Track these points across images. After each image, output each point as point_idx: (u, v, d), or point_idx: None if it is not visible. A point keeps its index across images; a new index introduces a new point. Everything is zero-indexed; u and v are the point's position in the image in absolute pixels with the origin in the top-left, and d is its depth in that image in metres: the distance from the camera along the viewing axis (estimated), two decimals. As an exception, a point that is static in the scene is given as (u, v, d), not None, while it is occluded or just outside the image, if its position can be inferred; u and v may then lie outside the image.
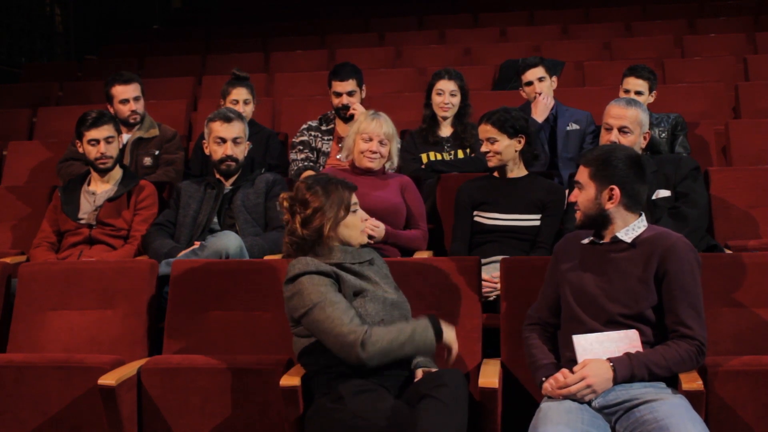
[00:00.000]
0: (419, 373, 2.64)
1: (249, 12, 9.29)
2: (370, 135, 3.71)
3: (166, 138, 4.64)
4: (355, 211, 2.72)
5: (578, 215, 2.68)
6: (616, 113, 3.40)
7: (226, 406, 2.84)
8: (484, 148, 3.66)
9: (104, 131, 3.90)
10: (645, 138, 3.43)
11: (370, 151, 3.71)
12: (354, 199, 2.73)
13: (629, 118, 3.38)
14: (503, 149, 3.63)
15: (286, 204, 2.69)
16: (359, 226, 2.73)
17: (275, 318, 3.10)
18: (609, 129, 3.41)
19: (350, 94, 4.56)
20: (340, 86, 4.56)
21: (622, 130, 3.38)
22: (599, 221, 2.65)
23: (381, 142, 3.72)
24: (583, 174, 2.67)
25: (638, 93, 4.43)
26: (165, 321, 3.20)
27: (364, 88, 4.66)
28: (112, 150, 3.94)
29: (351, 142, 3.77)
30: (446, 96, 4.49)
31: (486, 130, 3.63)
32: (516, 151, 3.65)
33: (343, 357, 2.49)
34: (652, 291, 2.53)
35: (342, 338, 2.46)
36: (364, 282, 2.65)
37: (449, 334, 2.61)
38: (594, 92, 5.39)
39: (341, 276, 2.60)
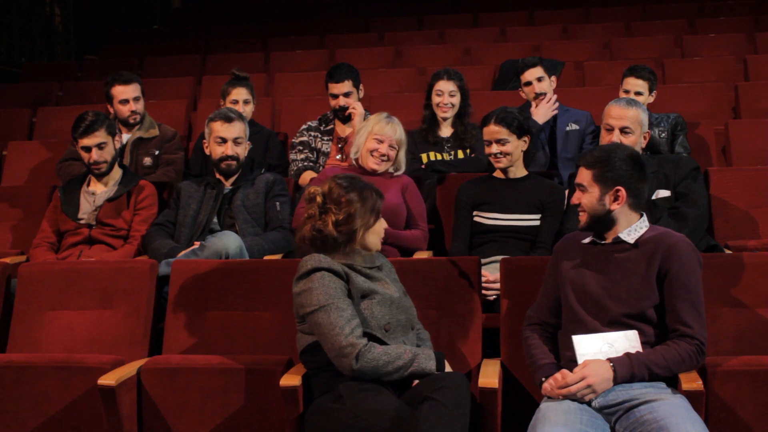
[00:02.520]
0: None
1: (249, 12, 9.29)
2: (383, 138, 3.72)
3: (166, 138, 4.64)
4: (380, 218, 2.71)
5: (583, 217, 2.66)
6: (617, 114, 3.40)
7: (226, 406, 2.84)
8: (493, 149, 3.64)
9: (96, 138, 3.87)
10: (645, 138, 3.44)
11: (380, 152, 3.71)
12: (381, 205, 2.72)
13: (630, 118, 3.38)
14: (513, 150, 3.63)
15: (318, 200, 2.64)
16: (381, 232, 2.73)
17: (275, 318, 3.10)
18: (610, 130, 3.41)
19: (346, 95, 4.54)
20: (335, 88, 4.55)
21: (623, 130, 3.38)
22: (604, 222, 2.64)
23: (391, 146, 3.73)
24: (585, 176, 2.65)
25: (638, 93, 4.42)
26: (165, 321, 3.20)
27: (361, 87, 4.64)
28: (106, 155, 3.92)
29: (362, 140, 3.76)
30: (445, 96, 4.49)
31: (496, 131, 3.61)
32: (522, 151, 3.66)
33: (336, 364, 2.51)
34: (654, 290, 2.53)
35: (339, 347, 2.48)
36: (372, 284, 2.64)
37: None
38: (594, 92, 5.38)
39: (351, 276, 2.60)
